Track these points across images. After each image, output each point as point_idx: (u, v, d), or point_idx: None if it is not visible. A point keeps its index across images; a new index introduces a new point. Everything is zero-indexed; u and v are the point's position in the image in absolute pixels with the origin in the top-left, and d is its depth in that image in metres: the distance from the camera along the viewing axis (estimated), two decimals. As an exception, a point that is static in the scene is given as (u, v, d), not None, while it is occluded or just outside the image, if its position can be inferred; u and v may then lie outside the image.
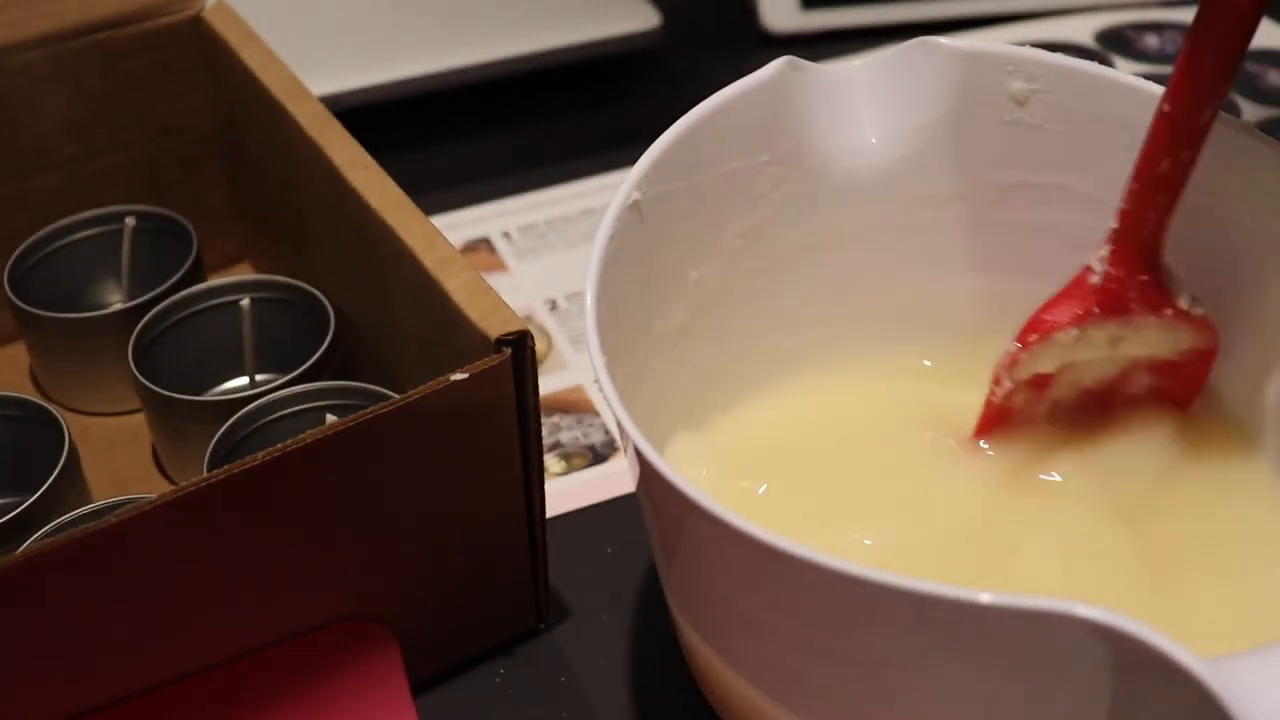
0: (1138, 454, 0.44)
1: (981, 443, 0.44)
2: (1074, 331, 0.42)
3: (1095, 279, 0.42)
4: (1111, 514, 0.43)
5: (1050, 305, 0.42)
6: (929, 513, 0.43)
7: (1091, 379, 0.44)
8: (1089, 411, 0.45)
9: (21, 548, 0.45)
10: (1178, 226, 0.44)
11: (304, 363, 0.51)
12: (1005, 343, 0.47)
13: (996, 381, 0.43)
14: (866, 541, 0.42)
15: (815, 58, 0.46)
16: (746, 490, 0.44)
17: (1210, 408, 0.45)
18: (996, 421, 0.44)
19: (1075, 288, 0.42)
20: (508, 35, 0.72)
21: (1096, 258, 0.41)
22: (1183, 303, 0.42)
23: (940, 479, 0.44)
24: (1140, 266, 0.41)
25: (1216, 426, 0.45)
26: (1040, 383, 0.43)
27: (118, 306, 0.57)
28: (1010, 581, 0.41)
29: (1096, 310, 0.42)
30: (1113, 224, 0.41)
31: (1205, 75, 0.39)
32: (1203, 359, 0.43)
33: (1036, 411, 0.44)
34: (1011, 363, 0.42)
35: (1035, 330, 0.42)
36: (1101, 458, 0.44)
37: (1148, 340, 0.43)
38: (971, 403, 0.45)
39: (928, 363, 0.49)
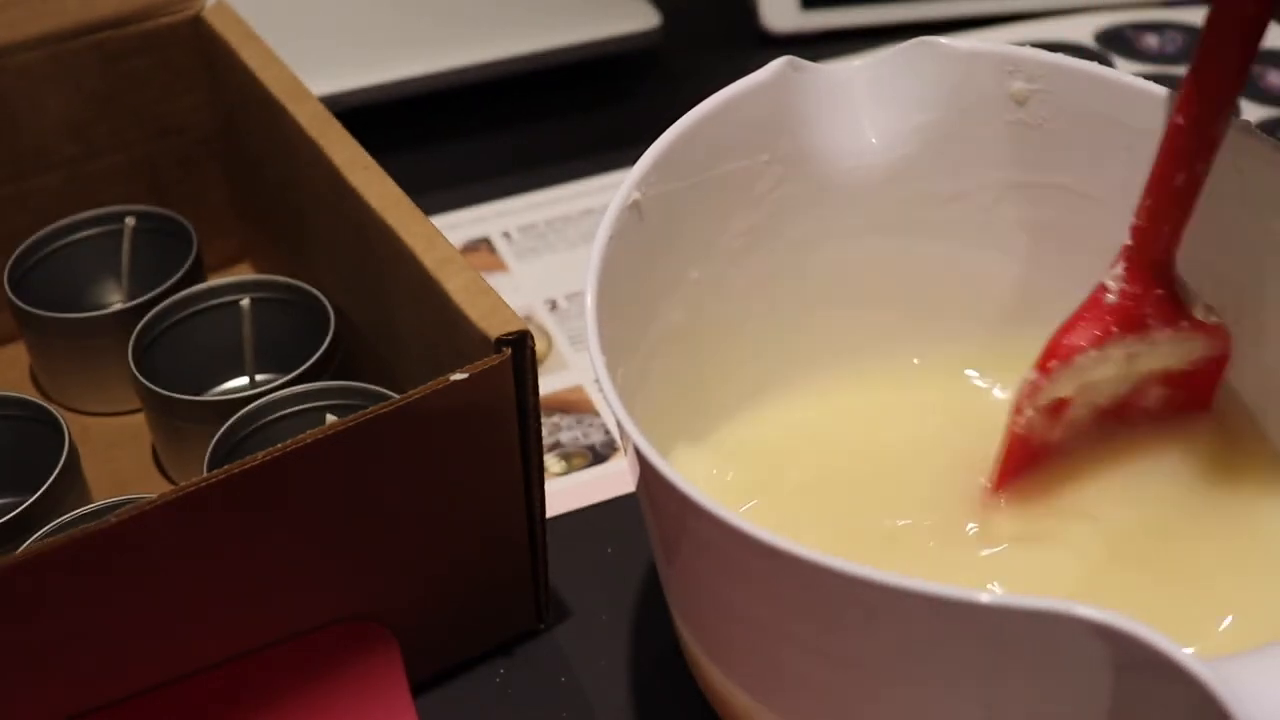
0: (1157, 480, 0.43)
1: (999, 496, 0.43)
2: (1094, 353, 0.41)
3: (1111, 297, 0.41)
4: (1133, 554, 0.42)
5: (1068, 327, 0.41)
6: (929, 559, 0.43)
7: (1106, 397, 0.43)
8: (1104, 429, 0.43)
9: (21, 548, 0.45)
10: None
11: (304, 363, 0.51)
12: (1005, 343, 0.47)
13: (1018, 410, 0.42)
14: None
15: (815, 58, 0.45)
16: (749, 490, 0.44)
17: (1216, 409, 0.45)
18: (1017, 463, 0.43)
19: (1091, 307, 0.41)
20: (508, 35, 0.72)
21: (1111, 275, 0.41)
22: (1198, 313, 0.42)
23: (946, 536, 0.43)
24: (1155, 281, 0.41)
25: (1222, 427, 0.45)
26: (1058, 408, 0.42)
27: (118, 306, 0.57)
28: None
29: (1115, 329, 0.41)
30: (1126, 240, 0.41)
31: (1218, 83, 0.38)
32: (1216, 365, 0.43)
33: (1053, 438, 0.43)
34: (1034, 390, 0.41)
35: (1056, 355, 0.41)
36: (1121, 489, 0.43)
37: (1163, 354, 0.42)
38: (971, 403, 0.45)
39: (916, 360, 0.48)
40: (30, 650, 0.39)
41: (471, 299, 0.43)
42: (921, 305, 0.48)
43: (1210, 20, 0.38)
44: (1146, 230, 0.40)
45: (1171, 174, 0.40)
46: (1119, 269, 0.41)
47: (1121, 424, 0.43)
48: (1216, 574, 0.41)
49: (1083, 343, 0.41)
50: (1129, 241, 0.41)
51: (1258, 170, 0.41)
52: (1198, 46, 0.38)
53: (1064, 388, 0.41)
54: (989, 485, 0.43)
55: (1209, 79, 0.39)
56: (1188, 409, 0.44)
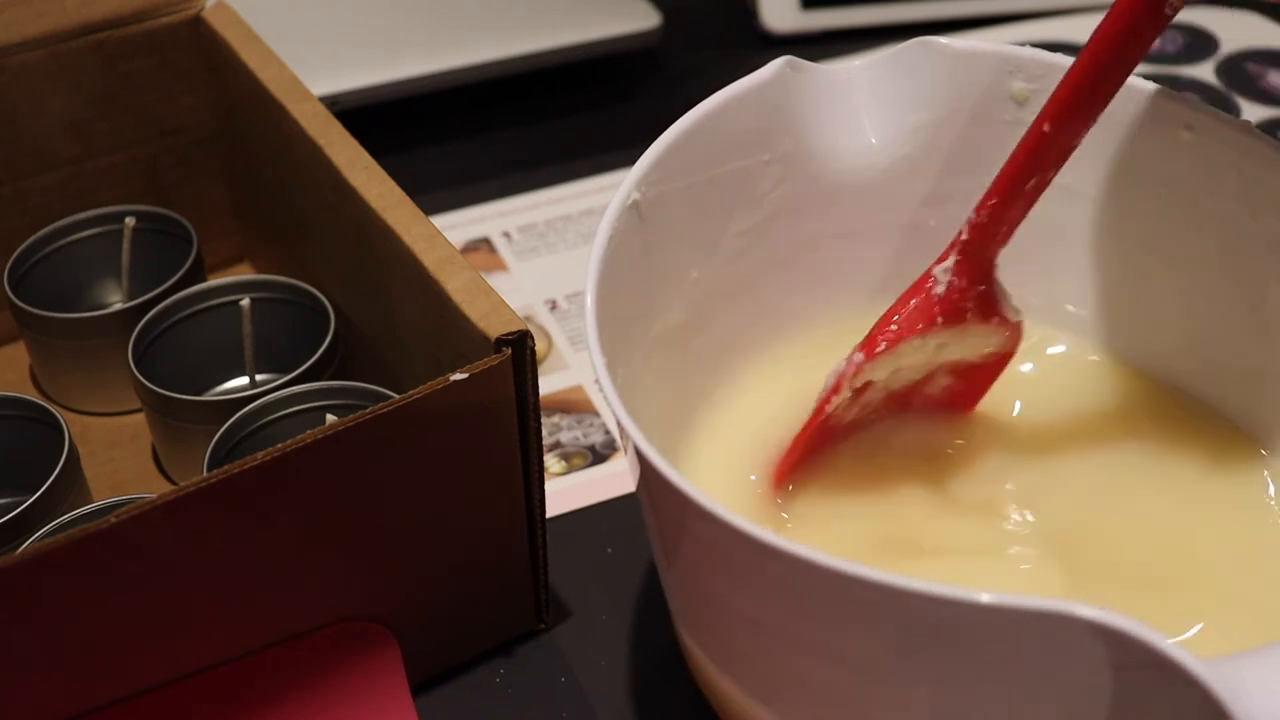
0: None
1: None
2: (916, 340, 0.42)
3: (939, 289, 0.42)
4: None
5: (894, 314, 0.42)
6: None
7: (902, 382, 0.44)
8: (882, 413, 0.45)
9: (21, 548, 0.45)
10: (1176, 227, 0.44)
11: (304, 363, 0.51)
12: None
13: (835, 390, 0.42)
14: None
15: (815, 58, 0.46)
16: (748, 489, 0.44)
17: (1209, 411, 0.45)
18: (810, 446, 0.44)
19: (917, 295, 0.42)
20: (508, 35, 0.72)
21: (941, 268, 0.42)
22: (1008, 312, 0.43)
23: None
24: (981, 277, 0.42)
25: (1214, 428, 0.45)
26: (862, 390, 0.43)
27: (118, 306, 0.57)
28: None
29: (940, 319, 0.42)
30: (963, 235, 0.41)
31: (1096, 99, 0.39)
32: (1001, 361, 0.44)
33: (847, 419, 0.44)
34: (857, 370, 0.42)
35: (883, 339, 0.42)
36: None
37: (967, 345, 0.43)
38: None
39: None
40: (30, 650, 0.39)
41: (471, 299, 0.43)
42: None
43: (1103, 35, 0.38)
44: (985, 227, 0.41)
45: (1024, 177, 0.40)
46: (950, 262, 0.42)
47: (900, 410, 0.45)
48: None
49: (909, 329, 0.42)
50: (965, 236, 0.41)
51: (1258, 170, 0.41)
52: (1084, 61, 0.38)
53: (881, 371, 0.42)
54: (773, 472, 0.44)
55: (1087, 94, 0.39)
56: (958, 405, 0.45)
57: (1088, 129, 0.40)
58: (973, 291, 0.42)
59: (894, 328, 0.42)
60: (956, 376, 0.44)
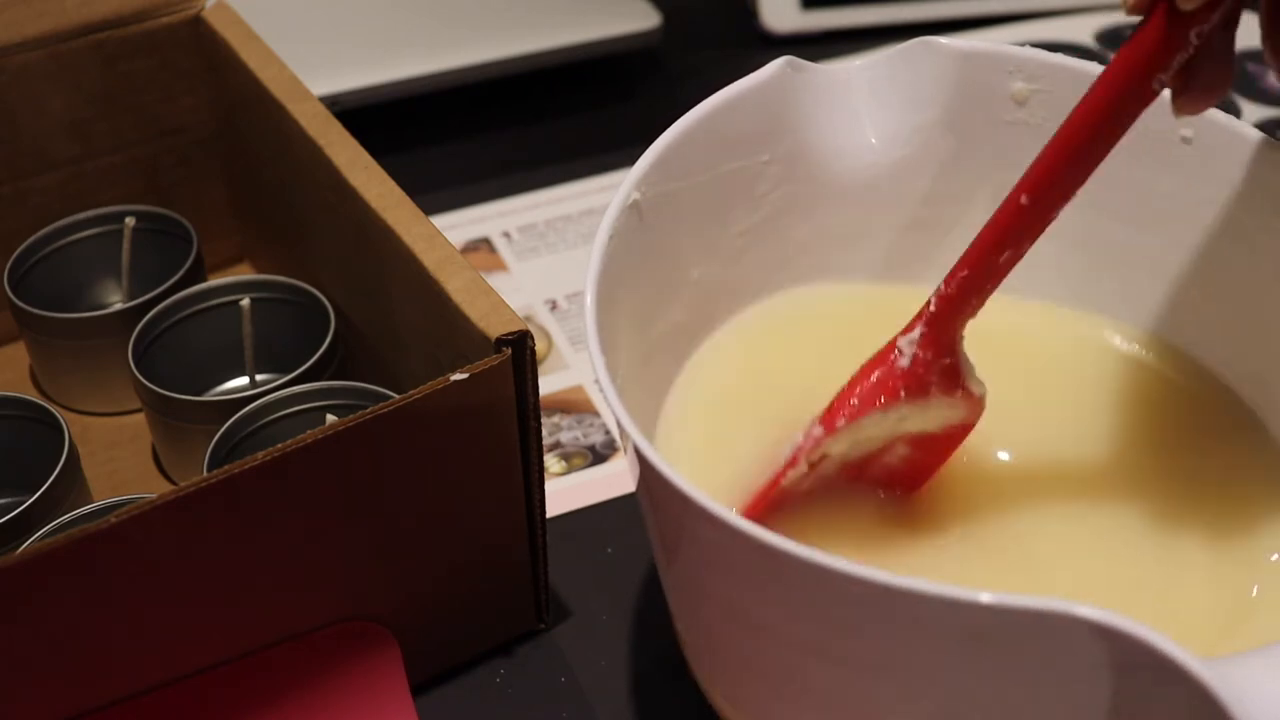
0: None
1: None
2: (877, 415, 0.40)
3: (904, 361, 0.40)
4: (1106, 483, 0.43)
5: (855, 386, 0.41)
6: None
7: (860, 452, 0.41)
8: (837, 482, 0.42)
9: (21, 548, 0.45)
10: (1181, 227, 0.44)
11: (304, 363, 0.51)
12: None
13: (792, 463, 0.40)
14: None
15: (815, 58, 0.46)
16: (748, 488, 0.44)
17: (1221, 408, 0.45)
18: (762, 513, 0.42)
19: (880, 368, 0.40)
20: (508, 35, 0.72)
21: (907, 339, 0.40)
22: (973, 386, 0.41)
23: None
24: (946, 350, 0.40)
25: (1227, 431, 0.45)
26: (818, 461, 0.41)
27: (118, 306, 0.57)
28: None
29: (902, 393, 0.40)
30: (930, 307, 0.40)
31: (1077, 176, 0.38)
32: (961, 432, 0.42)
33: (801, 489, 0.42)
34: (816, 444, 0.40)
35: (843, 414, 0.40)
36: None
37: (929, 417, 0.41)
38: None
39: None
40: (30, 650, 0.39)
41: (471, 299, 0.43)
42: (919, 306, 0.48)
43: (1086, 109, 0.37)
44: (954, 300, 0.39)
45: (998, 250, 0.39)
46: (915, 334, 0.40)
47: (855, 479, 0.42)
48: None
49: (870, 404, 0.40)
50: (932, 309, 0.40)
51: (1258, 170, 0.41)
52: (1065, 133, 0.37)
53: (839, 445, 0.41)
54: None
55: (1066, 169, 0.37)
56: (914, 475, 0.43)
57: (1066, 203, 0.38)
58: (937, 365, 0.40)
59: (854, 402, 0.40)
60: (915, 447, 0.42)
